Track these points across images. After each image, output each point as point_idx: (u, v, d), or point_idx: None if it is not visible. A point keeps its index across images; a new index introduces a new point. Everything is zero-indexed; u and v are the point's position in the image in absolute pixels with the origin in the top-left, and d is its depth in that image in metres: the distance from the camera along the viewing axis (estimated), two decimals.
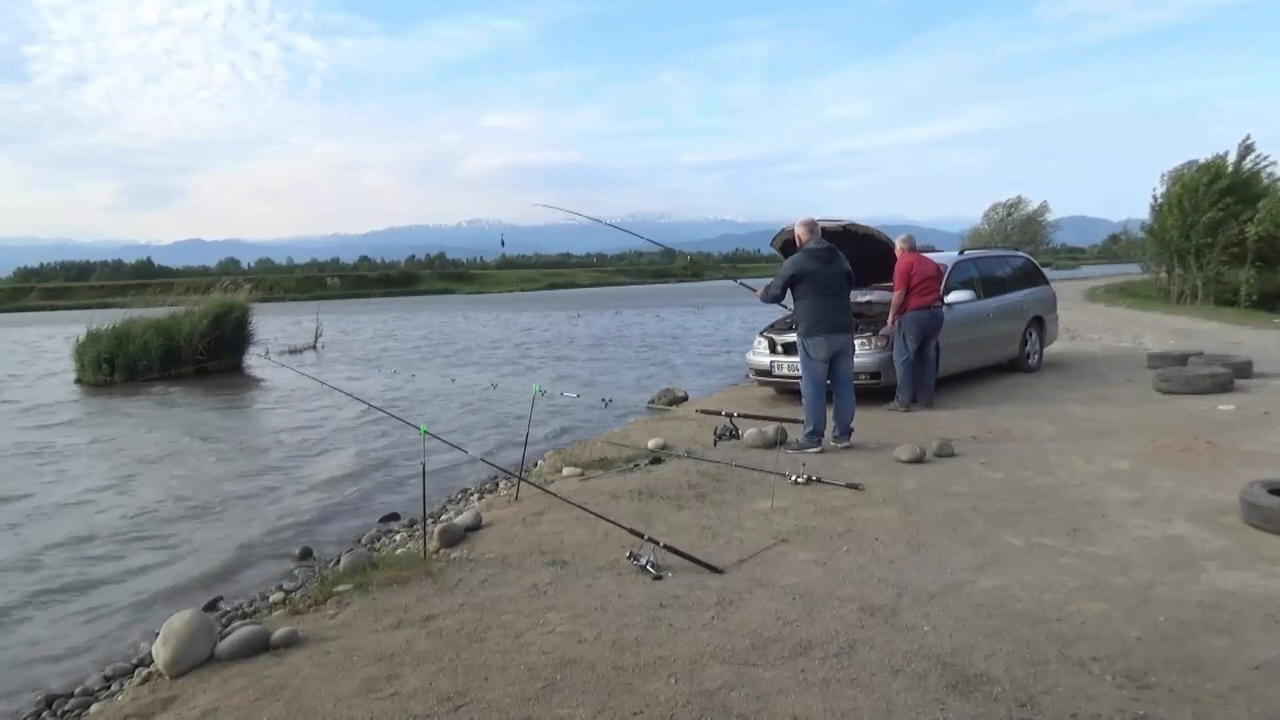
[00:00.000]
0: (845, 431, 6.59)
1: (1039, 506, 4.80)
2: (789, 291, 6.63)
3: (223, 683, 3.16)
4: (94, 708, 3.57)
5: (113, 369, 16.29)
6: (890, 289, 8.27)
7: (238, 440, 10.43)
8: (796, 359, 8.15)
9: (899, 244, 8.48)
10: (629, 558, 4.09)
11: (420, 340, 26.47)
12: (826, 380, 6.58)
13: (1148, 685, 2.73)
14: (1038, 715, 2.58)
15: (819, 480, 5.46)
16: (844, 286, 6.64)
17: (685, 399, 11.08)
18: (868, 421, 7.16)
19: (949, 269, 9.40)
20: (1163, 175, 25.63)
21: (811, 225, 6.71)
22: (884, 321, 8.27)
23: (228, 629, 3.68)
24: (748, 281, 7.73)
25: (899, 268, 8.11)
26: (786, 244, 7.87)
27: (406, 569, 4.21)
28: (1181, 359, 9.81)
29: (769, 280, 6.83)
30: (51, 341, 23.10)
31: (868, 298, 8.54)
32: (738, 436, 7.04)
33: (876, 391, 8.27)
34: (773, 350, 8.87)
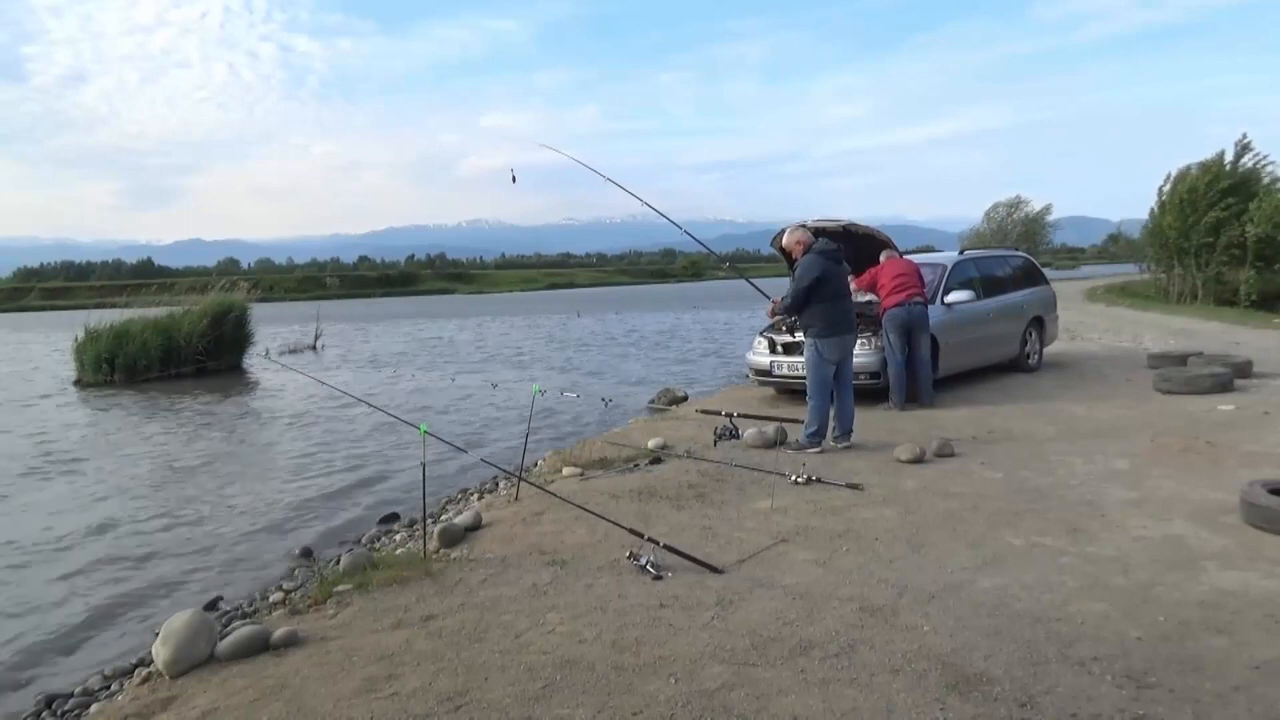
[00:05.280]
0: (846, 432, 6.58)
1: (1039, 506, 4.80)
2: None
3: (222, 683, 3.16)
4: (94, 708, 3.56)
5: (112, 369, 16.31)
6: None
7: (237, 440, 10.43)
8: (796, 359, 8.12)
9: (883, 257, 8.58)
10: (629, 558, 4.09)
11: (461, 344, 26.07)
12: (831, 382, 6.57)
13: (1148, 685, 2.73)
14: (1038, 715, 2.58)
15: (819, 480, 5.45)
16: (848, 287, 6.65)
17: (685, 399, 11.10)
18: (868, 421, 7.16)
19: (949, 269, 9.40)
20: (1169, 175, 25.66)
21: (805, 232, 6.68)
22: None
23: (228, 629, 3.68)
24: (758, 282, 7.68)
25: (863, 280, 8.34)
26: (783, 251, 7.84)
27: (406, 569, 4.21)
28: (1181, 359, 9.81)
29: (762, 279, 6.74)
30: (49, 360, 22.91)
31: (868, 297, 8.56)
32: (738, 436, 7.04)
33: (876, 391, 8.28)
34: (773, 350, 8.87)
